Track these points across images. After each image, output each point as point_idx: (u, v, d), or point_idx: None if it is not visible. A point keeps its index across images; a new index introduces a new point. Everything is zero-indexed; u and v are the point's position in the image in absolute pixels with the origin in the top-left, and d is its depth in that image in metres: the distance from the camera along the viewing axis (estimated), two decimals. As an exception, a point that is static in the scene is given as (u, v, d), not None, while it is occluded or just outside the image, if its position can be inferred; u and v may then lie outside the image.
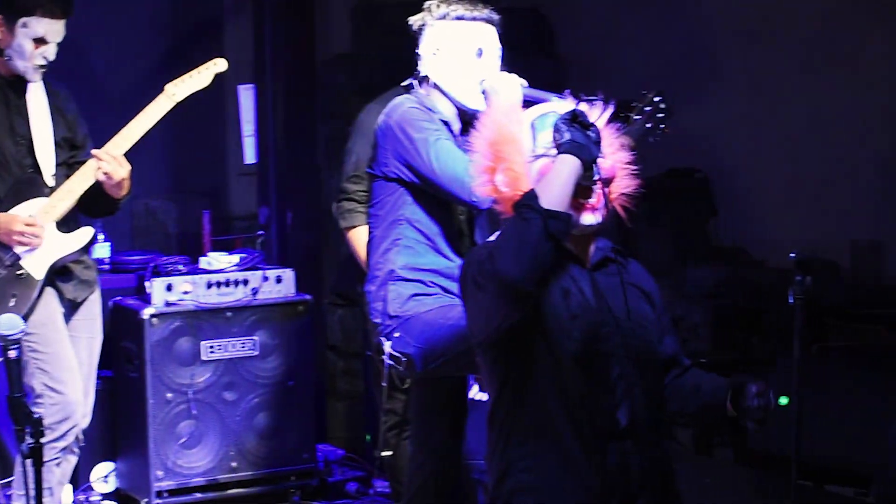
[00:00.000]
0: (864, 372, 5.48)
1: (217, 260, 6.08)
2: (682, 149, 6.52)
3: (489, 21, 4.42)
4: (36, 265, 5.09)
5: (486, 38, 4.41)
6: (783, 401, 3.28)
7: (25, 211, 5.09)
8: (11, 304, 5.00)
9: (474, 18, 4.40)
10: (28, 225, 5.04)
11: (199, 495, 5.98)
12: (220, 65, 5.28)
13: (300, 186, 6.95)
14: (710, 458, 6.10)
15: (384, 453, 5.20)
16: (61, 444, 5.12)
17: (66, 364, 5.15)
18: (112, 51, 7.05)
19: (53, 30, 5.08)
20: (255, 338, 6.04)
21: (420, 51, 4.44)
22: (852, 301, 6.17)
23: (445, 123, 4.37)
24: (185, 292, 5.93)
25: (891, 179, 6.48)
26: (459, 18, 4.39)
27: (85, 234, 5.20)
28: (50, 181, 5.15)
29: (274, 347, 6.08)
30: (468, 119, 4.31)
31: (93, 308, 5.32)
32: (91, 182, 5.10)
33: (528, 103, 3.82)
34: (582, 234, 3.35)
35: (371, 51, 7.40)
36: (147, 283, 5.93)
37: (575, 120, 3.30)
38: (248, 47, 6.99)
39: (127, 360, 5.96)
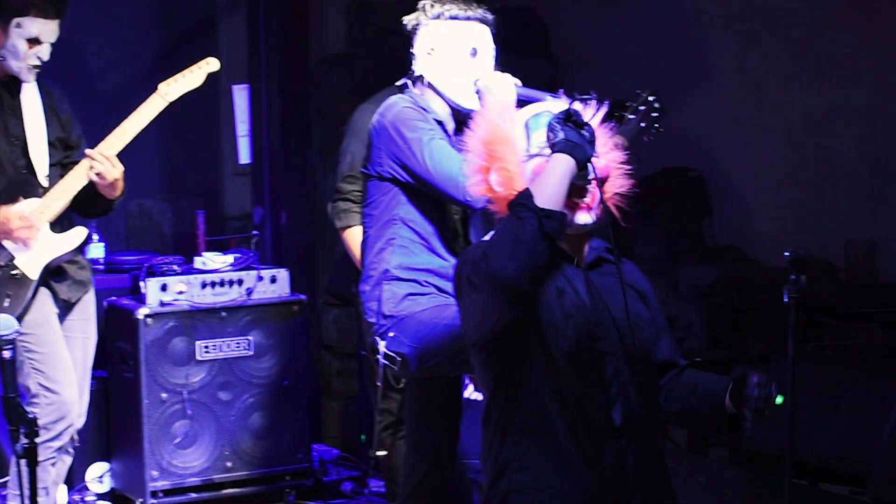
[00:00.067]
0: (858, 371, 5.48)
1: (212, 260, 6.08)
2: (677, 148, 6.53)
3: (483, 21, 4.43)
4: (30, 265, 5.08)
5: (481, 37, 4.41)
6: (778, 400, 3.28)
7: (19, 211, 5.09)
8: (6, 304, 5.00)
9: (468, 18, 4.40)
10: (21, 219, 5.04)
11: (193, 495, 5.97)
12: (212, 64, 5.28)
13: (295, 186, 6.95)
14: (704, 457, 6.10)
15: (379, 453, 5.21)
16: (57, 443, 5.12)
17: (62, 364, 5.15)
18: (106, 51, 7.05)
19: (47, 30, 5.07)
20: (249, 338, 6.04)
21: (414, 50, 4.44)
22: (847, 300, 6.18)
23: (439, 123, 4.38)
24: (180, 292, 5.93)
25: (885, 178, 6.49)
26: (454, 18, 4.39)
27: (79, 234, 5.20)
28: (44, 182, 5.14)
29: (269, 347, 6.07)
30: (462, 119, 4.31)
31: (87, 308, 5.32)
32: (84, 182, 5.09)
33: (522, 103, 3.82)
34: (576, 233, 3.35)
35: (365, 51, 7.40)
36: (142, 283, 5.92)
37: (569, 119, 3.29)
38: (243, 47, 6.98)
39: (122, 361, 5.96)
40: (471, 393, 4.94)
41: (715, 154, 7.15)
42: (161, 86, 5.20)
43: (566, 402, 3.25)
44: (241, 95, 7.05)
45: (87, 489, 6.05)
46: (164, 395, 5.88)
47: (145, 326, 5.84)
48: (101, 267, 6.31)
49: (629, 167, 3.44)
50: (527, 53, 7.41)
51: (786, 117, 6.84)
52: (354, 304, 4.85)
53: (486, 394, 3.38)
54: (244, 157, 7.13)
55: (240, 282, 6.04)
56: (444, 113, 4.41)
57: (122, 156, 5.09)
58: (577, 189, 3.29)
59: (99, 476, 6.07)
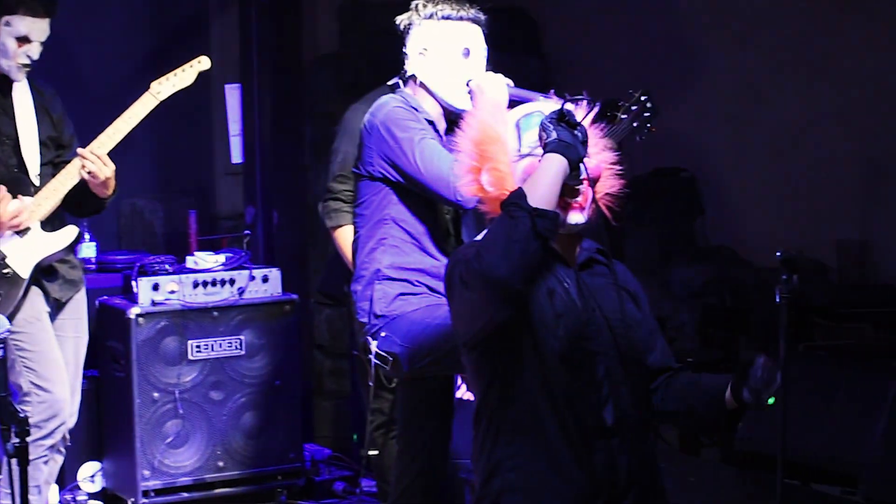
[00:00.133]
0: (850, 371, 5.48)
1: (203, 259, 6.08)
2: (669, 148, 6.53)
3: (476, 21, 4.43)
4: (21, 264, 5.08)
5: (473, 37, 4.42)
6: (770, 400, 3.28)
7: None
8: (-3, 303, 5.00)
9: (461, 18, 4.41)
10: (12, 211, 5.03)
11: (185, 495, 5.97)
12: (203, 63, 5.28)
13: (286, 186, 6.95)
14: (696, 456, 6.10)
15: (371, 453, 5.20)
16: (49, 441, 5.12)
17: (54, 362, 5.15)
18: (97, 50, 7.04)
19: (37, 28, 5.07)
20: (241, 337, 6.04)
21: (407, 50, 4.43)
22: (838, 300, 6.18)
23: (431, 123, 4.38)
24: (172, 292, 5.93)
25: (877, 179, 6.49)
26: (446, 18, 4.39)
27: (70, 232, 5.19)
28: (35, 181, 5.14)
29: (260, 347, 6.07)
30: (454, 119, 4.31)
31: (79, 307, 5.32)
32: (76, 181, 5.09)
33: (513, 103, 3.82)
34: (568, 233, 3.35)
35: (357, 50, 7.39)
36: (133, 283, 5.92)
37: (562, 119, 3.29)
38: (235, 47, 6.98)
39: (113, 360, 5.96)
40: (463, 393, 4.94)
41: (707, 154, 7.14)
42: (153, 84, 5.20)
43: (557, 401, 3.25)
44: (232, 95, 7.04)
45: (79, 488, 6.04)
46: (155, 395, 5.88)
47: (137, 326, 5.84)
48: (93, 266, 6.31)
49: (620, 167, 3.45)
50: (519, 53, 7.41)
51: (777, 117, 6.84)
52: (346, 304, 4.84)
53: (478, 394, 3.38)
54: (236, 156, 7.13)
55: (231, 281, 6.04)
56: (435, 113, 4.41)
57: (113, 155, 5.08)
58: (569, 189, 3.29)
59: (90, 475, 6.07)
